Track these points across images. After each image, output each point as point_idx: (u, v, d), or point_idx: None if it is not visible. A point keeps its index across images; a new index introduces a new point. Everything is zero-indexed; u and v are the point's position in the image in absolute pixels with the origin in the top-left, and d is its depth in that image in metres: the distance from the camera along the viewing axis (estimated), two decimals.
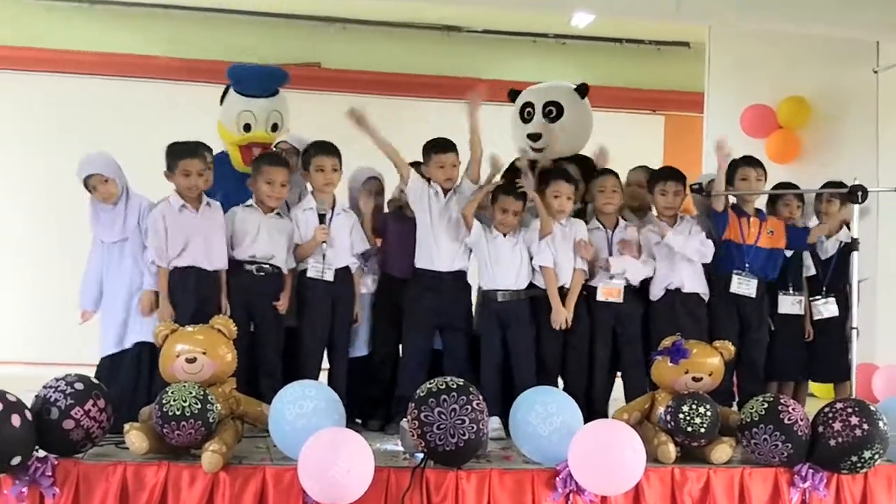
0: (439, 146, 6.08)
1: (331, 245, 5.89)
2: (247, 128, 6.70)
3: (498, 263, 5.97)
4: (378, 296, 6.23)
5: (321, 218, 5.92)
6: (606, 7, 7.65)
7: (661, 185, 6.23)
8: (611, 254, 6.12)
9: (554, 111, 6.83)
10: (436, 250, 5.98)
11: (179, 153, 5.72)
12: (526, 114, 6.86)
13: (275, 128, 6.80)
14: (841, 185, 6.38)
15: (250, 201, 5.92)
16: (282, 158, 6.06)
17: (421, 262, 6.03)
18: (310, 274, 5.89)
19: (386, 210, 6.46)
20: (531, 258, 6.04)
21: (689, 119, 10.45)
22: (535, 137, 6.76)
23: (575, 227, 6.12)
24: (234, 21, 10.44)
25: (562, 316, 5.96)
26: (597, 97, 10.73)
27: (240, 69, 7.06)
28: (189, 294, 5.65)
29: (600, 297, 6.08)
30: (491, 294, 5.98)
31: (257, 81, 6.91)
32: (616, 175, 6.29)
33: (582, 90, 6.99)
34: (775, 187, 6.64)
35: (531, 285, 6.05)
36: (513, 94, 7.06)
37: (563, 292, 6.03)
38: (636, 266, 6.10)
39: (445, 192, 6.04)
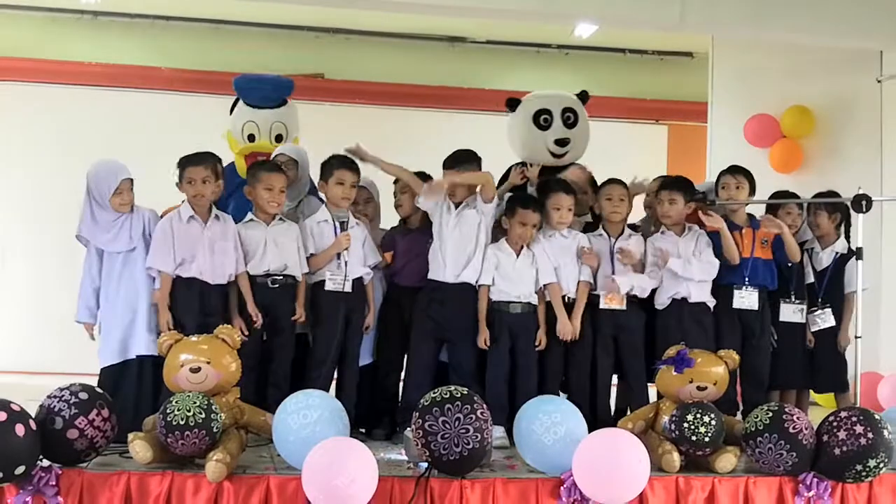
0: (449, 161, 6.09)
1: (348, 255, 5.90)
2: (251, 138, 6.86)
3: (512, 277, 5.97)
4: (385, 306, 6.24)
5: (342, 225, 5.92)
6: (610, 18, 7.66)
7: (664, 193, 6.25)
8: (613, 261, 6.14)
9: (572, 118, 6.87)
10: (444, 262, 5.98)
11: (184, 162, 5.74)
12: (542, 120, 6.84)
13: (279, 138, 6.92)
14: (833, 193, 6.40)
15: (249, 216, 5.91)
16: (277, 165, 6.08)
17: (431, 273, 6.03)
18: (328, 287, 5.87)
19: None
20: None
21: (692, 129, 10.45)
22: (563, 143, 6.77)
23: (577, 239, 6.14)
24: (238, 32, 10.45)
25: (568, 329, 5.97)
26: (600, 107, 10.76)
27: (245, 80, 7.15)
28: (194, 306, 5.64)
29: (603, 304, 6.08)
30: (503, 306, 5.98)
31: (261, 92, 7.05)
32: (623, 184, 6.30)
33: (583, 97, 7.04)
34: (774, 196, 6.64)
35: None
36: (512, 103, 7.03)
37: (567, 303, 6.04)
38: (643, 280, 6.11)
39: (457, 205, 6.03)
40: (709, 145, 9.54)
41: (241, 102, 7.05)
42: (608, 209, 6.22)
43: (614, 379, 6.25)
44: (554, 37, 10.79)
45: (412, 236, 6.24)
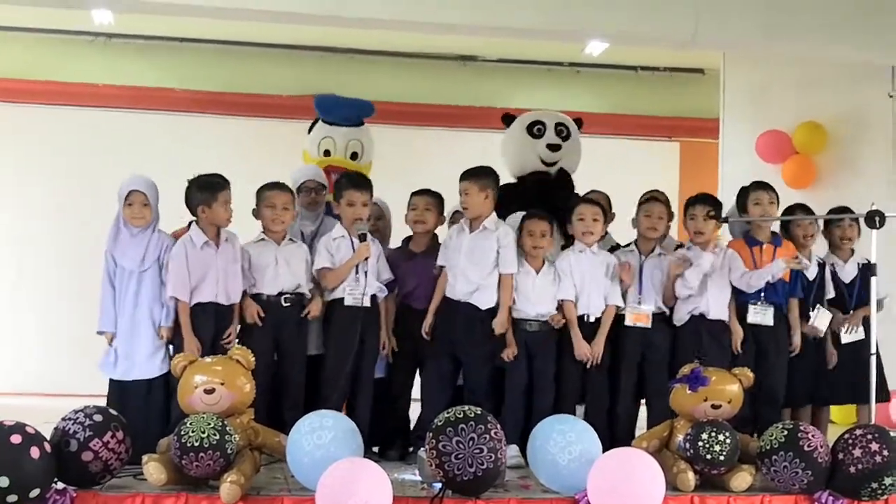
0: (465, 174, 6.04)
1: (367, 266, 5.89)
2: (326, 153, 7.00)
3: (532, 294, 5.96)
4: (397, 328, 6.20)
5: (362, 237, 5.89)
6: (621, 35, 7.66)
7: (691, 209, 6.22)
8: (641, 278, 6.11)
9: (565, 131, 6.97)
10: (454, 281, 5.96)
11: (203, 186, 5.73)
12: (536, 130, 6.93)
13: (354, 156, 7.05)
14: (847, 209, 6.38)
15: (261, 234, 5.94)
16: (283, 184, 6.07)
17: (447, 291, 6.01)
18: (347, 301, 5.86)
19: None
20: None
21: (704, 145, 10.44)
22: (554, 148, 6.86)
23: (606, 258, 6.12)
24: (249, 53, 10.48)
25: (584, 350, 5.94)
26: (612, 125, 10.86)
27: (325, 99, 7.39)
28: (208, 328, 5.66)
29: (629, 322, 6.05)
30: (521, 323, 5.97)
31: (340, 110, 7.20)
32: (665, 203, 6.30)
33: (578, 123, 7.17)
34: (787, 210, 6.62)
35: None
36: (508, 119, 7.14)
37: (585, 322, 6.02)
38: (708, 257, 6.05)
39: (471, 227, 6.00)
40: (721, 162, 9.53)
41: (319, 122, 7.17)
42: (646, 225, 6.21)
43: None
44: (565, 55, 10.78)
45: (419, 260, 6.22)
